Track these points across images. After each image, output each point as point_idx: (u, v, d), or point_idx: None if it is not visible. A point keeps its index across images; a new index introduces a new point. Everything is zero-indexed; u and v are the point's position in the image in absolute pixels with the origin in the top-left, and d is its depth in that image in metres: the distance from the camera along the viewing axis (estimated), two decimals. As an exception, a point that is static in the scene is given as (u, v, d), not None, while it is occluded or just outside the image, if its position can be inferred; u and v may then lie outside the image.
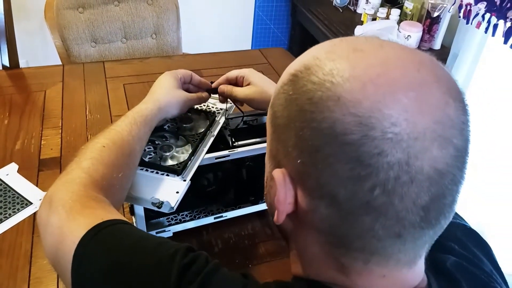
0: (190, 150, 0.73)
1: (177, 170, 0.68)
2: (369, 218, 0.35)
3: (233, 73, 0.80)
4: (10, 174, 0.90)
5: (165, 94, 0.73)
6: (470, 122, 0.36)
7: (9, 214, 0.81)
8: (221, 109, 0.85)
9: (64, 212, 0.50)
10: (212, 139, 0.77)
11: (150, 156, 0.72)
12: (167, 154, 0.71)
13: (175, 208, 0.64)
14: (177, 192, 0.66)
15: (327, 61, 0.37)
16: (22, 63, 1.47)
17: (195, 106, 0.83)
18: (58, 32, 1.57)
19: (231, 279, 0.42)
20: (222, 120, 0.82)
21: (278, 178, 0.39)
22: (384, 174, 0.33)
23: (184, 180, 0.68)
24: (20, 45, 1.45)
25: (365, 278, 0.39)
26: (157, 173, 0.69)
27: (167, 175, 0.69)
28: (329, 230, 0.38)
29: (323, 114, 0.35)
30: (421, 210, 0.34)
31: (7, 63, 1.38)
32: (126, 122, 0.65)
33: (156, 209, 0.64)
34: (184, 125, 0.79)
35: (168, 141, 0.75)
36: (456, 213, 0.55)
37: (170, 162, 0.71)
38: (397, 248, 0.37)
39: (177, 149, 0.73)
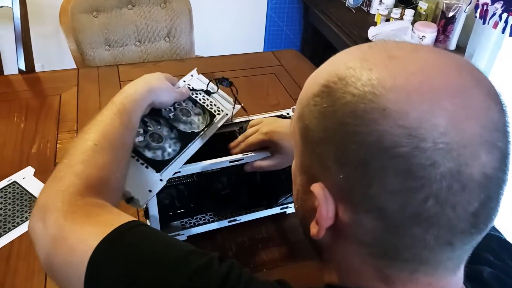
0: (178, 148, 0.70)
1: (157, 167, 0.66)
2: (420, 229, 0.34)
3: (253, 141, 0.76)
4: (27, 178, 0.91)
5: (155, 78, 0.71)
6: (509, 123, 0.36)
7: (26, 218, 0.82)
8: (222, 110, 0.80)
9: (67, 223, 0.47)
10: (202, 142, 0.74)
11: (139, 139, 0.68)
12: (154, 144, 0.68)
13: (143, 207, 0.63)
14: (150, 191, 0.65)
15: (363, 70, 0.36)
16: (37, 67, 1.49)
17: (200, 100, 0.80)
18: (73, 36, 1.59)
19: (268, 287, 0.41)
20: (221, 123, 0.79)
21: (318, 193, 0.38)
22: (437, 185, 0.32)
23: (161, 180, 0.66)
24: (35, 49, 1.47)
25: (409, 287, 0.38)
26: (137, 160, 0.67)
27: (147, 167, 0.66)
28: (373, 242, 0.37)
29: (369, 127, 0.34)
30: (471, 217, 0.34)
31: (23, 67, 1.40)
32: (114, 110, 0.61)
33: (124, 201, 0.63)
34: (182, 116, 0.75)
35: (160, 129, 0.71)
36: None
37: (153, 154, 0.68)
38: (446, 255, 0.36)
39: (166, 143, 0.70)
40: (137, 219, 0.48)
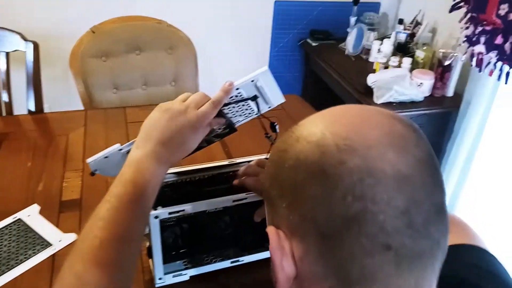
0: None
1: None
2: (352, 232, 0.35)
3: (249, 184, 0.75)
4: (32, 215, 0.92)
5: (175, 135, 0.64)
6: (424, 138, 0.40)
7: (29, 255, 0.82)
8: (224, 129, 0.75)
9: None
10: None
11: None
12: None
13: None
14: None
15: (293, 127, 0.44)
16: (45, 108, 1.53)
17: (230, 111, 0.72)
18: (82, 78, 1.64)
19: None
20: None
21: (271, 233, 0.41)
22: (349, 179, 0.35)
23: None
24: (44, 90, 1.51)
25: None
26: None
27: None
28: (325, 270, 0.38)
29: (288, 152, 0.40)
30: (401, 214, 0.35)
31: (32, 108, 1.44)
32: (125, 200, 0.57)
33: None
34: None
35: None
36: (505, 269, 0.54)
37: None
38: (393, 269, 0.36)
39: None
40: None
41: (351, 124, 0.39)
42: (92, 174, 0.71)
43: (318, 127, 0.40)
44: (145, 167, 0.61)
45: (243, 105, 0.71)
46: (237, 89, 0.68)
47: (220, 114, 0.68)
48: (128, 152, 0.67)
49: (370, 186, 0.35)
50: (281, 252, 0.40)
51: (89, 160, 0.70)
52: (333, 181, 0.36)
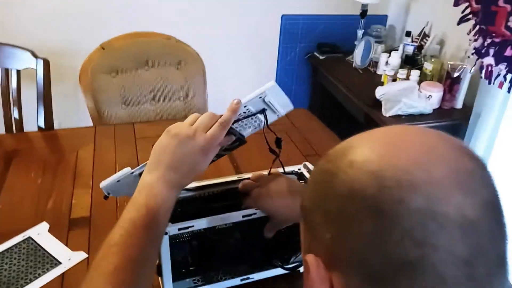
0: None
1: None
2: (407, 278, 0.33)
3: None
4: (41, 233, 0.92)
5: (184, 159, 0.63)
6: (492, 176, 0.36)
7: (39, 274, 0.82)
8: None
9: None
10: None
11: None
12: None
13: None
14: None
15: (339, 145, 0.41)
16: (55, 124, 1.54)
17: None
18: (92, 95, 1.66)
19: None
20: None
21: (311, 262, 0.39)
22: (409, 222, 0.32)
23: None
24: (54, 106, 1.53)
25: None
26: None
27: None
28: None
29: (340, 178, 0.37)
30: (463, 265, 0.32)
31: (42, 125, 1.45)
32: (137, 224, 0.57)
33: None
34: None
35: None
36: None
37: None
38: None
39: None
40: None
41: (413, 155, 0.35)
42: (106, 197, 0.71)
43: (375, 153, 0.36)
44: (157, 191, 0.61)
45: (251, 118, 0.71)
46: (245, 106, 0.68)
47: (229, 131, 0.68)
48: (140, 174, 0.67)
49: (433, 231, 0.32)
50: (321, 282, 0.38)
51: (101, 184, 0.70)
52: (391, 221, 0.33)
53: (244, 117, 0.70)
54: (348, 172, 0.36)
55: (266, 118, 0.72)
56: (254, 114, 0.70)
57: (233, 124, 0.67)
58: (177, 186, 0.64)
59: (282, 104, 0.72)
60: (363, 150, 0.37)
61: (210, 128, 0.64)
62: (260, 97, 0.68)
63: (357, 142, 0.39)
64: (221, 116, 0.66)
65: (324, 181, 0.39)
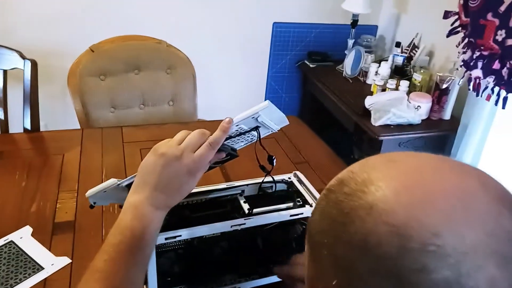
0: None
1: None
2: None
3: None
4: (24, 237, 0.90)
5: (170, 182, 0.61)
6: None
7: (20, 279, 0.80)
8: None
9: None
10: None
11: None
12: None
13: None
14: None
15: (360, 172, 0.35)
16: (41, 126, 1.52)
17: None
18: (80, 97, 1.64)
19: None
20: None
21: None
22: None
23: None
24: (41, 108, 1.50)
25: None
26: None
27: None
28: None
29: (355, 224, 0.32)
30: None
31: (28, 126, 1.43)
32: (123, 250, 0.56)
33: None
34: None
35: None
36: None
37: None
38: None
39: None
40: None
41: (446, 210, 0.30)
42: (92, 207, 0.69)
43: (400, 202, 0.31)
44: (142, 213, 0.60)
45: (244, 134, 0.70)
46: (237, 125, 0.66)
47: (220, 149, 0.66)
48: (128, 185, 0.65)
49: None
50: None
51: (88, 194, 0.68)
52: None
53: (236, 135, 0.69)
54: (366, 219, 0.31)
55: (259, 135, 0.71)
56: (246, 132, 0.69)
57: (224, 140, 0.66)
58: (163, 207, 0.62)
59: (276, 121, 0.71)
60: (385, 192, 0.32)
61: (199, 147, 0.62)
62: (253, 117, 0.66)
63: (378, 177, 0.34)
64: (211, 134, 0.64)
65: (336, 220, 0.34)
